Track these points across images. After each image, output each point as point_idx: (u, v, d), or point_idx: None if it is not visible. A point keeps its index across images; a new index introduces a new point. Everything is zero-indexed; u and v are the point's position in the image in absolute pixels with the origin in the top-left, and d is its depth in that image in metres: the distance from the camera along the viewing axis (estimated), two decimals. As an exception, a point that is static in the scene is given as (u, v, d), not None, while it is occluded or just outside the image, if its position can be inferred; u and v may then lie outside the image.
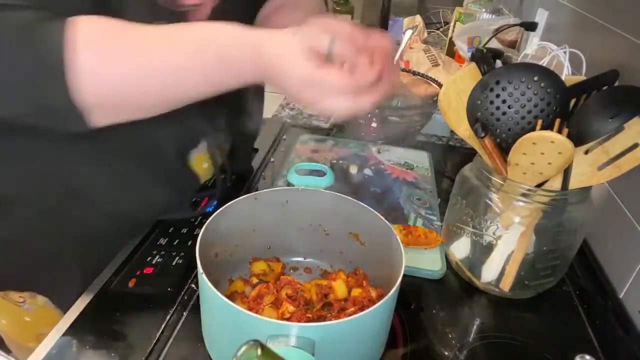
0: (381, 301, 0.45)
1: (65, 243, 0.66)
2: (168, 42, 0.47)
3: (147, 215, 0.71)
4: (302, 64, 0.45)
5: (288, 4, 0.72)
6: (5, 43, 0.42)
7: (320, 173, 0.65)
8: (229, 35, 0.47)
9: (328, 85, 0.45)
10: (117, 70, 0.46)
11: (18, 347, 0.77)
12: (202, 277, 0.45)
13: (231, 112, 0.74)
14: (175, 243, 0.67)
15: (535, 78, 0.55)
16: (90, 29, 0.45)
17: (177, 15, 0.56)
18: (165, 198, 0.70)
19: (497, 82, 0.57)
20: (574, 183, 0.57)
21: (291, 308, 0.51)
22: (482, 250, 0.64)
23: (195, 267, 0.47)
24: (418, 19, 1.54)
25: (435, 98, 1.00)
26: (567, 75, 0.61)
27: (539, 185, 0.58)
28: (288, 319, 0.50)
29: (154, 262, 0.64)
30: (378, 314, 0.47)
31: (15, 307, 0.71)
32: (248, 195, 0.57)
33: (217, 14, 0.56)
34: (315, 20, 0.48)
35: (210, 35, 0.47)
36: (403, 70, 1.19)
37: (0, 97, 0.45)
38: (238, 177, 0.85)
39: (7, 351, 0.83)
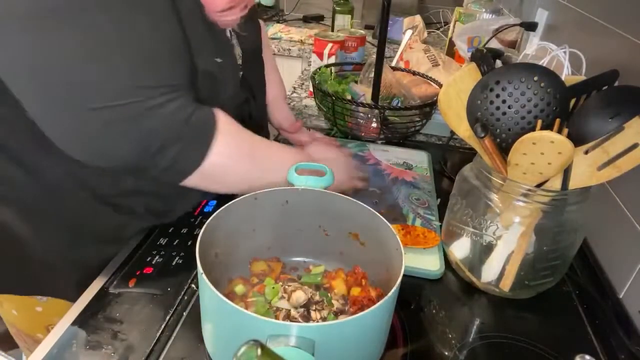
0: (381, 301, 0.45)
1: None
2: (272, 161, 0.66)
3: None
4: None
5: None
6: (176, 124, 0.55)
7: (320, 173, 0.65)
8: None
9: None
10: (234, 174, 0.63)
11: (26, 338, 0.78)
12: (202, 277, 0.45)
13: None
14: (175, 243, 0.67)
15: (535, 78, 0.55)
16: (230, 136, 0.61)
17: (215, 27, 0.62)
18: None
19: (497, 82, 0.57)
20: (574, 183, 0.57)
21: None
22: (482, 250, 0.64)
23: (195, 267, 0.47)
24: (418, 19, 1.54)
25: (435, 98, 1.01)
26: (567, 75, 0.61)
27: (539, 185, 0.58)
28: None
29: (154, 262, 0.64)
30: (378, 314, 0.47)
31: (28, 298, 0.71)
32: (248, 195, 0.57)
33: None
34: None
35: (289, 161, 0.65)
36: (403, 70, 1.19)
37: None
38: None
39: (13, 345, 0.84)
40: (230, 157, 0.61)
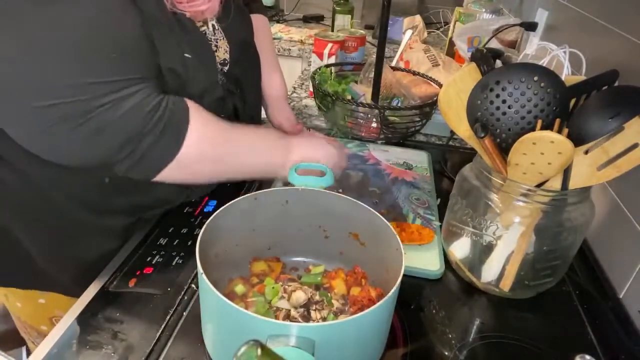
0: (381, 301, 0.45)
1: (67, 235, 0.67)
2: (248, 149, 0.66)
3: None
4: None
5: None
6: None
7: (320, 173, 0.65)
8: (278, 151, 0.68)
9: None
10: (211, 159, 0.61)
11: (30, 330, 0.78)
12: (202, 277, 0.45)
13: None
14: (175, 243, 0.67)
15: (535, 78, 0.55)
16: (203, 124, 0.59)
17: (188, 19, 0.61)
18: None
19: (497, 82, 0.57)
20: (574, 183, 0.57)
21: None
22: (482, 250, 0.64)
23: (195, 267, 0.47)
24: (418, 19, 1.54)
25: (435, 98, 1.00)
26: (567, 75, 0.61)
27: (539, 185, 0.58)
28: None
29: (154, 262, 0.64)
30: (378, 314, 0.47)
31: (31, 290, 0.72)
32: (248, 195, 0.57)
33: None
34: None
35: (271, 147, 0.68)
36: (403, 70, 1.19)
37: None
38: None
39: (13, 345, 0.84)
40: (205, 144, 0.59)
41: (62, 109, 0.49)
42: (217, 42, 0.71)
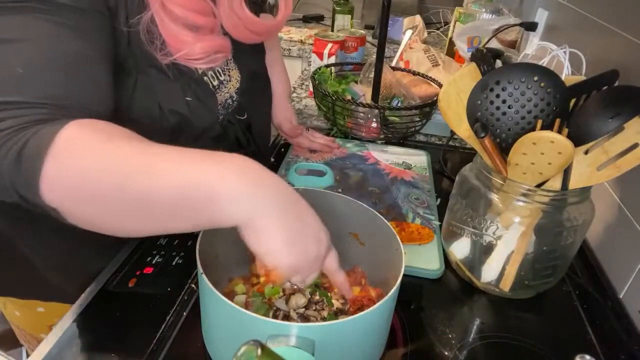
0: (381, 301, 0.45)
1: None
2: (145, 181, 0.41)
3: None
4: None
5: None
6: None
7: (320, 173, 0.65)
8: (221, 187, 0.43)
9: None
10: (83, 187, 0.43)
11: (29, 338, 0.78)
12: (202, 277, 0.45)
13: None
14: (175, 243, 0.67)
15: (535, 78, 0.55)
16: (72, 141, 0.42)
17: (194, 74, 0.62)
18: None
19: (497, 82, 0.57)
20: (574, 183, 0.57)
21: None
22: (482, 250, 0.64)
23: (195, 267, 0.47)
24: (418, 19, 1.54)
25: (435, 98, 1.01)
26: (567, 75, 0.61)
27: (539, 185, 0.58)
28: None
29: (154, 262, 0.64)
30: (378, 314, 0.47)
31: (31, 299, 0.72)
32: (248, 195, 0.57)
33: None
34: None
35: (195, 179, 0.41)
36: (403, 70, 1.19)
37: None
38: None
39: (13, 345, 0.84)
40: (65, 179, 0.42)
41: None
42: (229, 72, 0.72)
